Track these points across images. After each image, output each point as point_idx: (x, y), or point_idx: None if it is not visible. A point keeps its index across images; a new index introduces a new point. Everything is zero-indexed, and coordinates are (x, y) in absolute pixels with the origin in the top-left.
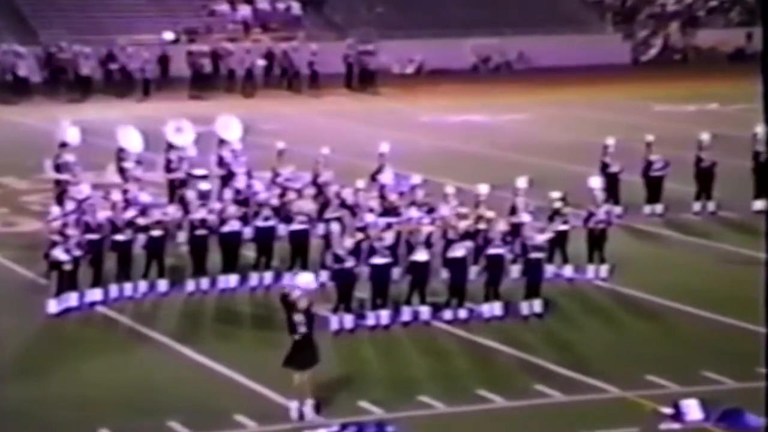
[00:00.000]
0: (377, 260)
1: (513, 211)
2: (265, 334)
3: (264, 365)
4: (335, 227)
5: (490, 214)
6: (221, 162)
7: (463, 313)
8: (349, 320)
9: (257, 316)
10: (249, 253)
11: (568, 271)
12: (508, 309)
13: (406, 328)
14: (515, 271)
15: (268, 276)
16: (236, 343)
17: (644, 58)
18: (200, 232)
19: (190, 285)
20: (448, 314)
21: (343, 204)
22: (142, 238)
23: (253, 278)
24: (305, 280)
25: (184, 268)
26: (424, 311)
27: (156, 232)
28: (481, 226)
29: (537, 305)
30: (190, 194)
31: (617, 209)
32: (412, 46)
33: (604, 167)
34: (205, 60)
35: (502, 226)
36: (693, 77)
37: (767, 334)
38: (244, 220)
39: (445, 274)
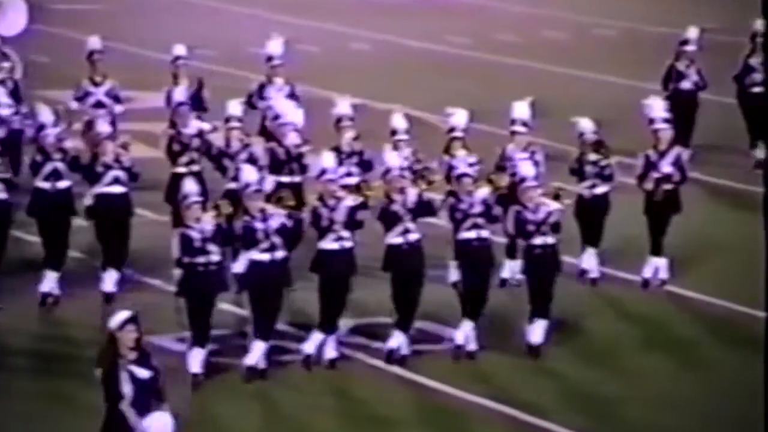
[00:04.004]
0: (259, 254)
1: (504, 160)
2: (53, 386)
3: None
4: (190, 191)
5: (465, 166)
6: None
7: (402, 345)
8: (199, 358)
9: (40, 351)
10: (26, 235)
11: (590, 266)
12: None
13: (322, 371)
14: (510, 269)
15: (50, 278)
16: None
17: None
18: None
19: None
20: (390, 343)
21: (207, 150)
22: None
23: (42, 283)
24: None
25: None
26: (306, 343)
27: None
28: (452, 187)
29: (536, 331)
30: None
31: (686, 153)
32: None
33: (673, 78)
34: None
35: (485, 188)
36: None
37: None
38: (11, 184)
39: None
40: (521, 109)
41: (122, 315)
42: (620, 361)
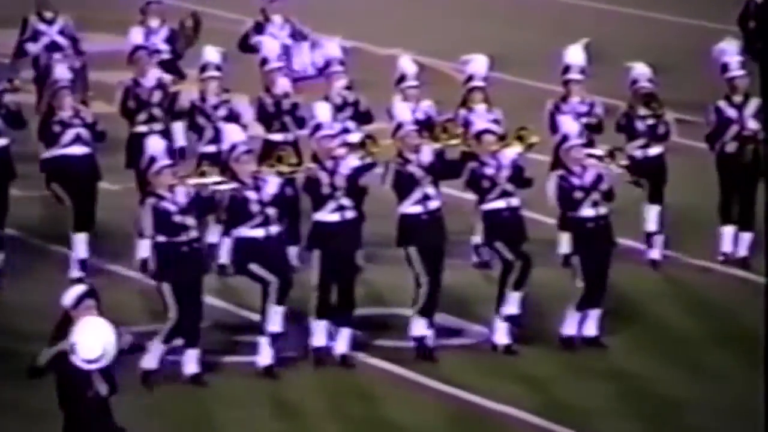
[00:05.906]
0: (251, 230)
1: (553, 120)
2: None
3: None
4: (156, 151)
5: (486, 121)
6: None
7: (426, 333)
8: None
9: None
10: None
11: (653, 247)
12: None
13: (312, 371)
14: (565, 242)
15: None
16: None
17: None
18: None
19: None
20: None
21: (170, 106)
22: None
23: None
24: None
25: None
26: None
27: None
28: (474, 147)
29: (590, 323)
30: None
31: None
32: None
33: (752, 14)
34: None
35: (515, 147)
36: None
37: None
38: None
39: (414, 253)
40: (576, 54)
41: (77, 289)
42: (683, 358)
